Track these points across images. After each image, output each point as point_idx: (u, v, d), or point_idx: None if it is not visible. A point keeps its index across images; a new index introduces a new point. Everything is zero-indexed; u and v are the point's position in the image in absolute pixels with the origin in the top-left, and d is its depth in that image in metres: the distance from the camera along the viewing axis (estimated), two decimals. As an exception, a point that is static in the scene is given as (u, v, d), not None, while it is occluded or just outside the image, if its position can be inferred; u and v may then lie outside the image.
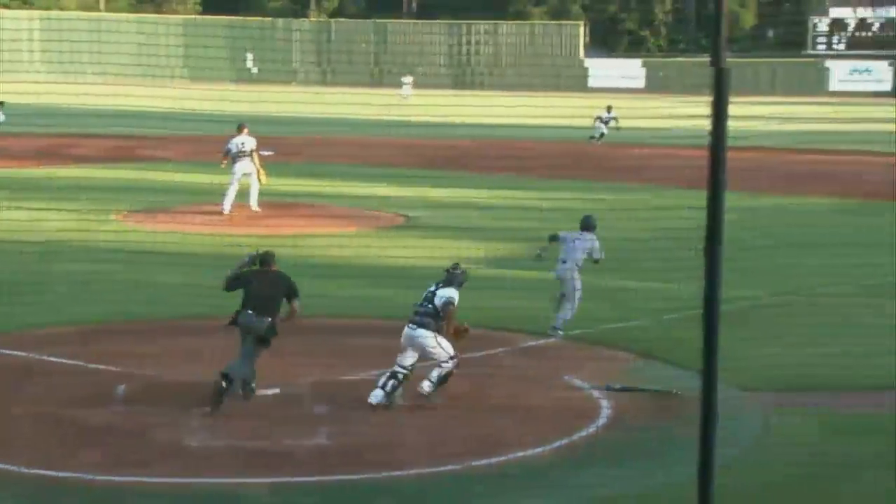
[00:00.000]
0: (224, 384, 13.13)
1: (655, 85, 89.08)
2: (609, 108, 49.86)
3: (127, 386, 14.05)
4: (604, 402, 13.81)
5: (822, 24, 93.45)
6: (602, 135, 49.37)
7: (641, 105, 52.63)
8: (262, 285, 13.79)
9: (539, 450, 12.19)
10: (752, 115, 51.03)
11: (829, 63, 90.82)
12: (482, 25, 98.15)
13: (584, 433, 12.76)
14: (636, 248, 21.22)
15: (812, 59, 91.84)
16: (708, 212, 8.10)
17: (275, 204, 28.98)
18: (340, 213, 28.85)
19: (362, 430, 12.68)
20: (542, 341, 16.59)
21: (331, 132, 33.39)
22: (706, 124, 7.89)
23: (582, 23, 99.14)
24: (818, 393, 14.44)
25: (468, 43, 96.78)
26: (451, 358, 13.59)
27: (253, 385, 13.74)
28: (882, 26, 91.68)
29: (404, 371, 13.50)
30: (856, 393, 14.50)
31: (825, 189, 33.91)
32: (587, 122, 49.19)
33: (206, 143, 35.49)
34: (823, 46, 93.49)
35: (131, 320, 17.32)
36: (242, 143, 28.49)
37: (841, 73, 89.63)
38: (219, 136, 30.06)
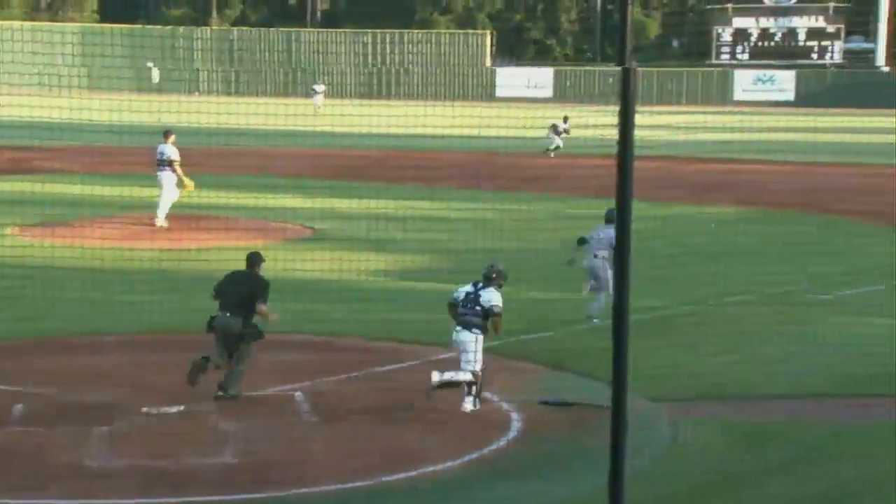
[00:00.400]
0: (202, 360, 13.75)
1: (563, 94, 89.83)
2: (566, 119, 48.55)
3: (24, 405, 13.74)
4: (515, 415, 13.83)
5: (726, 34, 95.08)
6: (558, 147, 48.09)
7: (550, 114, 53.06)
8: (234, 286, 14.21)
9: (450, 463, 12.16)
10: (659, 124, 51.67)
11: (735, 72, 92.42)
12: (388, 35, 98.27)
13: (495, 446, 12.76)
14: (546, 259, 21.32)
15: (717, 68, 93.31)
16: (616, 221, 8.17)
17: (179, 216, 28.62)
18: (246, 225, 28.58)
19: (270, 447, 12.54)
20: (453, 353, 16.58)
21: (237, 143, 33.09)
22: (614, 133, 7.94)
23: (488, 32, 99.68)
24: (727, 402, 14.62)
25: (375, 52, 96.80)
26: (474, 373, 13.87)
27: (233, 392, 14.02)
28: (784, 36, 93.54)
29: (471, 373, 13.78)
30: (763, 401, 14.71)
31: (731, 198, 34.43)
32: (497, 132, 49.26)
33: (106, 154, 34.93)
34: (728, 56, 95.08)
35: (29, 337, 16.96)
36: (161, 153, 28.34)
37: (745, 83, 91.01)
38: (118, 147, 29.63)
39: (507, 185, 37.50)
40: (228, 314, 14.05)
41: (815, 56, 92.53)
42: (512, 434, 13.20)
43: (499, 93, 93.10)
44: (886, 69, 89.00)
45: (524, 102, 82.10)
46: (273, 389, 14.38)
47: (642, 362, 14.01)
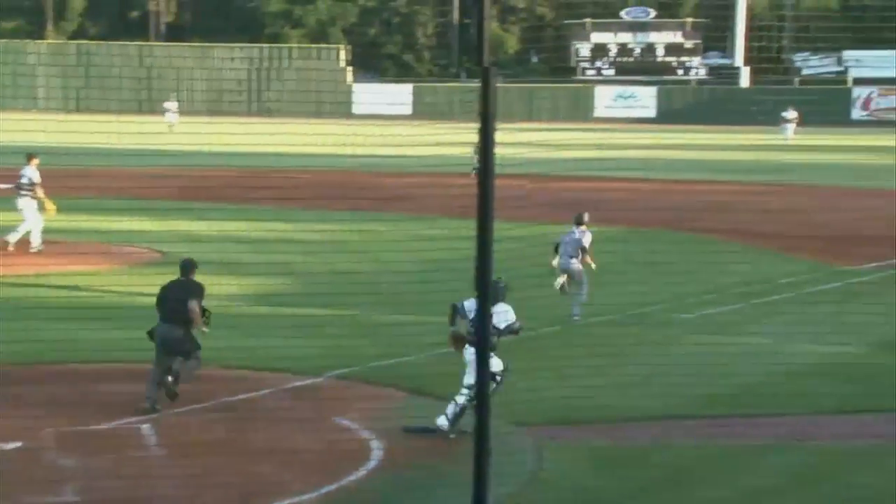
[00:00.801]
0: (149, 405, 14.53)
1: (423, 111, 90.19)
2: None
3: None
4: (375, 443, 13.74)
5: (585, 50, 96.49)
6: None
7: (409, 131, 53.18)
8: (171, 294, 15.09)
9: (307, 496, 12.01)
10: (520, 141, 52.16)
11: (596, 89, 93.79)
12: (237, 49, 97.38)
13: (354, 476, 12.65)
14: (405, 281, 21.29)
15: (581, 85, 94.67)
16: (477, 241, 8.16)
17: (20, 241, 27.88)
18: (90, 249, 27.95)
19: (114, 484, 12.23)
20: (309, 381, 16.41)
21: (79, 163, 32.36)
22: (475, 151, 7.96)
23: (342, 47, 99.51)
24: (593, 426, 14.76)
25: (225, 68, 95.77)
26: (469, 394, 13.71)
27: (174, 388, 14.77)
28: (643, 51, 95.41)
29: (469, 394, 13.52)
30: (627, 424, 14.89)
31: (592, 217, 34.92)
32: (354, 150, 49.26)
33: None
34: (593, 72, 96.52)
35: None
36: (23, 176, 27.86)
37: (606, 99, 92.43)
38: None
39: (365, 205, 37.44)
40: (165, 322, 14.87)
41: (680, 72, 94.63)
42: (371, 463, 13.10)
43: (356, 110, 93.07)
44: (745, 85, 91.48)
45: (382, 119, 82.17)
46: (117, 423, 14.03)
47: (507, 385, 14.10)
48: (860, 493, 12.69)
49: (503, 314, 14.28)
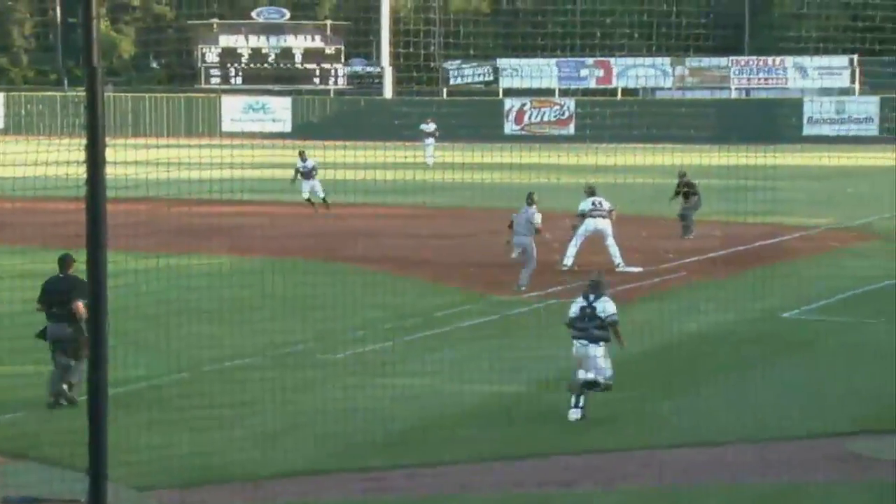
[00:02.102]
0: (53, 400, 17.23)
1: (19, 125, 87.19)
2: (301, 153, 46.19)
3: None
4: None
5: (213, 54, 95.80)
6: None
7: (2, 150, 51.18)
8: (53, 293, 17.61)
9: None
10: (137, 160, 51.31)
11: (223, 99, 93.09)
12: None
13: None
14: (4, 327, 20.46)
15: (205, 95, 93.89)
16: (89, 275, 7.94)
17: None
18: None
19: None
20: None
21: None
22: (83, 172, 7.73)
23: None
24: (230, 484, 14.62)
25: None
26: (607, 380, 17.56)
27: (73, 394, 17.12)
28: (278, 57, 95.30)
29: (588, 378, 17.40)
30: (271, 481, 14.84)
31: (224, 245, 34.79)
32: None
33: None
34: (218, 80, 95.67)
35: None
36: None
37: (235, 112, 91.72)
38: None
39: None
40: (52, 322, 17.40)
41: (317, 80, 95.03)
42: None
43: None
44: (389, 96, 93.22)
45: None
46: None
47: (126, 444, 13.77)
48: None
49: (605, 307, 17.70)
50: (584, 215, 31.30)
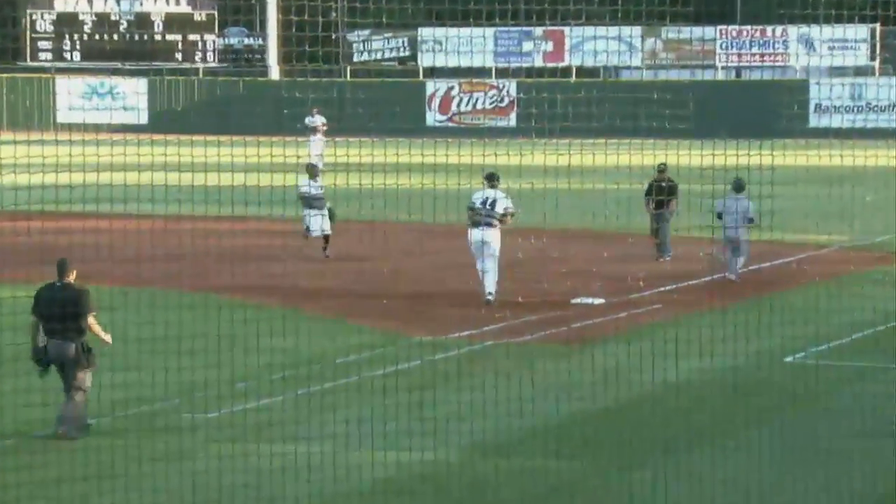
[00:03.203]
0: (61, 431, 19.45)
1: None
2: None
3: None
4: None
5: (45, 22, 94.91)
6: None
7: None
8: (53, 304, 19.47)
9: None
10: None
11: (58, 80, 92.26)
12: None
13: None
14: None
15: (36, 75, 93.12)
16: None
17: None
18: None
19: None
20: None
21: None
22: None
23: None
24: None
25: None
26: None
27: (88, 423, 19.73)
28: (130, 25, 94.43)
29: None
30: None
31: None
32: None
33: None
34: (51, 55, 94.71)
35: None
36: None
37: (73, 97, 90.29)
38: None
39: None
40: (54, 338, 19.32)
41: (180, 57, 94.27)
42: None
43: None
44: (276, 77, 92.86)
45: None
46: None
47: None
48: None
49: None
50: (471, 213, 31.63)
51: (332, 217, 39.27)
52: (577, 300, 30.94)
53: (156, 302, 28.78)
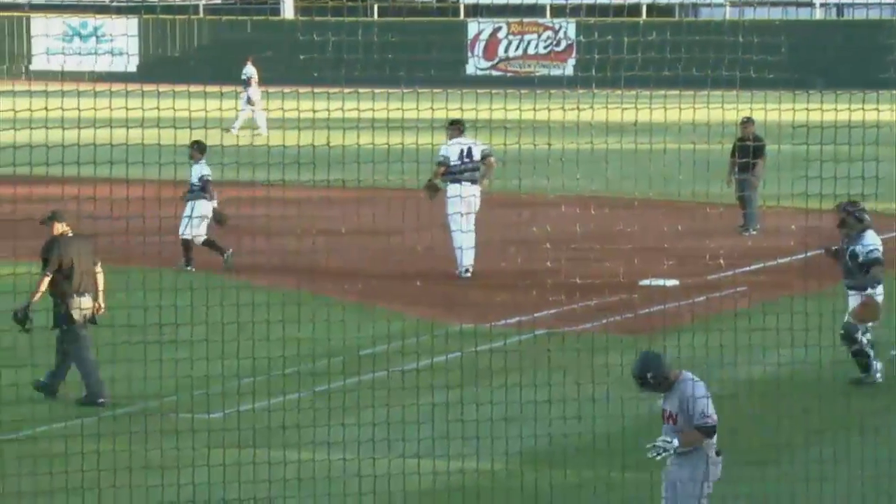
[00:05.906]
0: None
1: None
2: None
3: None
4: None
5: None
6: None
7: None
8: (80, 255, 22.64)
9: None
10: None
11: None
12: None
13: None
14: None
15: (5, 14, 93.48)
16: None
17: None
18: None
19: None
20: None
21: None
22: None
23: None
24: None
25: None
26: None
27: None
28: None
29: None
30: None
31: (34, 248, 34.77)
32: None
33: None
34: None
35: None
36: None
37: (50, 40, 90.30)
38: None
39: None
40: (84, 296, 22.61)
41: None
42: None
43: None
44: (290, 16, 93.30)
45: None
46: None
47: None
48: None
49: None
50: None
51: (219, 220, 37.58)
52: (646, 282, 30.96)
53: (148, 283, 28.97)
